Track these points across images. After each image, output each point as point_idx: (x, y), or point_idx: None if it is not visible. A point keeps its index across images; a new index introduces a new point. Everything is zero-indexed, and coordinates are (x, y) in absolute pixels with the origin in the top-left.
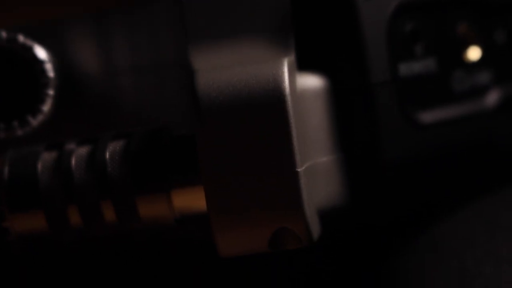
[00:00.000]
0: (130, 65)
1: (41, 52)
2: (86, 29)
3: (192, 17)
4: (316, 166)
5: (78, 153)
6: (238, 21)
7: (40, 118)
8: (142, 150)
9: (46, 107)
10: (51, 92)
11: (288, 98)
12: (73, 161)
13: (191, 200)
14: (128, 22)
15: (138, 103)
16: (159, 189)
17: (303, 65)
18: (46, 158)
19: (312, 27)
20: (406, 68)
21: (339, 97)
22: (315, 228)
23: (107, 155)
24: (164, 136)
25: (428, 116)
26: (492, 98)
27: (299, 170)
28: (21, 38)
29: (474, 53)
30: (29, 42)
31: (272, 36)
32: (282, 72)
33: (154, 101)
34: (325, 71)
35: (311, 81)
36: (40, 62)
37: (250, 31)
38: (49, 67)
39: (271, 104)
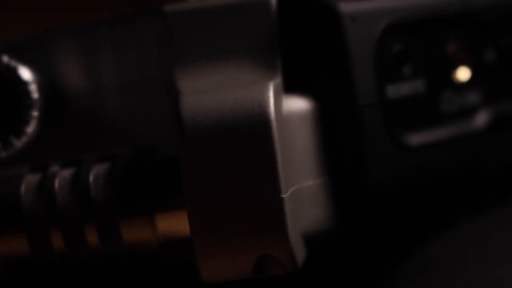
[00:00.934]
0: (117, 83)
1: (25, 73)
2: (71, 47)
3: (178, 38)
4: (302, 190)
5: (62, 176)
6: (225, 43)
7: (24, 139)
8: (126, 173)
9: (30, 128)
10: (35, 113)
11: (273, 124)
12: (56, 184)
13: (176, 224)
14: (115, 39)
15: (125, 121)
16: (143, 213)
17: (290, 86)
18: (29, 180)
19: (299, 48)
20: (394, 90)
21: (325, 119)
22: (300, 254)
23: (91, 178)
24: (148, 159)
25: (416, 138)
26: (482, 118)
27: (283, 196)
28: (5, 58)
29: (463, 74)
30: (13, 63)
31: (258, 58)
32: (268, 97)
33: (141, 119)
34: (312, 93)
35: (297, 104)
36: (24, 83)
37: (236, 52)
38: (33, 88)
39: (256, 130)
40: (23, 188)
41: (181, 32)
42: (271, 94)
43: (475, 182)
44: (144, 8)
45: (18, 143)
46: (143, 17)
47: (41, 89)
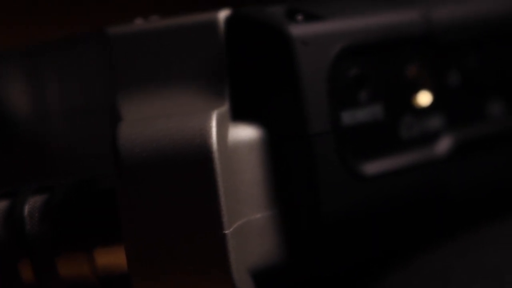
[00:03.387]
0: (62, 108)
1: None
2: (14, 70)
3: (120, 62)
4: (250, 223)
5: None
6: (170, 67)
7: None
8: (64, 206)
9: None
10: None
11: (215, 156)
12: None
13: (115, 259)
14: (60, 63)
15: (70, 148)
16: (80, 248)
17: (239, 113)
18: None
19: (248, 73)
20: (349, 116)
21: (275, 149)
22: None
23: (26, 212)
24: (88, 190)
25: (373, 167)
26: (444, 144)
27: (226, 232)
28: None
29: (424, 98)
30: None
31: (205, 83)
32: (210, 127)
33: (87, 146)
34: (262, 121)
35: (245, 133)
36: None
37: (182, 77)
38: None
39: (197, 162)
40: None
41: (124, 56)
42: (213, 123)
43: (438, 212)
44: (89, 31)
45: None
46: (88, 40)
47: None
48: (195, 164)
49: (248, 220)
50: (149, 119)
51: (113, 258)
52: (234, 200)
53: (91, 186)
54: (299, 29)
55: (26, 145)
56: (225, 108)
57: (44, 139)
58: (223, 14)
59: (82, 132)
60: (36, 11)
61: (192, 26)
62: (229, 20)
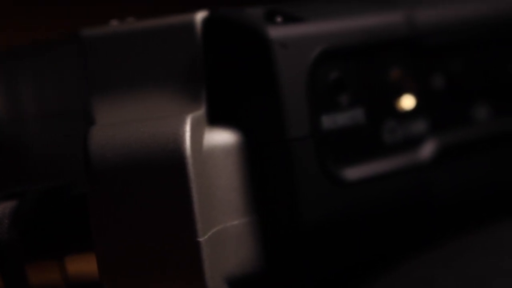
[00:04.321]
0: (37, 113)
1: None
2: None
3: (95, 64)
4: (226, 230)
5: None
6: (145, 70)
7: None
8: (34, 213)
9: None
10: None
11: (189, 161)
12: None
13: (87, 267)
14: (35, 67)
15: (46, 153)
16: (51, 256)
17: (216, 117)
18: None
19: (225, 76)
20: (330, 121)
21: (253, 154)
22: None
23: None
24: (60, 196)
25: (354, 172)
26: (428, 149)
27: (200, 239)
28: None
29: (407, 102)
30: None
31: (181, 87)
32: (184, 132)
33: (62, 150)
34: (239, 125)
35: (221, 137)
36: None
37: (158, 80)
38: None
39: (170, 167)
40: None
41: (98, 58)
42: (187, 128)
43: (423, 217)
44: (65, 35)
45: None
46: (64, 43)
47: None
48: (168, 169)
49: (224, 226)
50: (121, 124)
51: (84, 266)
52: (209, 207)
53: (63, 192)
54: (277, 31)
55: (1, 149)
56: (201, 111)
57: (20, 144)
58: (200, 16)
59: (58, 137)
60: (36, 11)
61: (168, 28)
62: (206, 22)
